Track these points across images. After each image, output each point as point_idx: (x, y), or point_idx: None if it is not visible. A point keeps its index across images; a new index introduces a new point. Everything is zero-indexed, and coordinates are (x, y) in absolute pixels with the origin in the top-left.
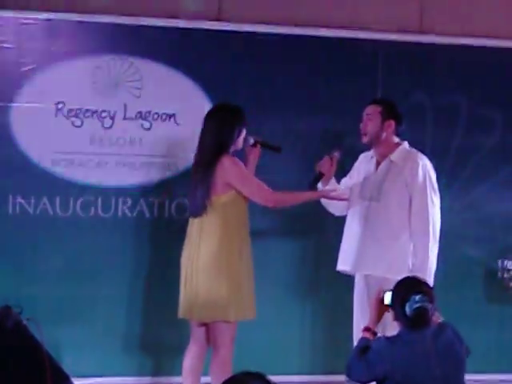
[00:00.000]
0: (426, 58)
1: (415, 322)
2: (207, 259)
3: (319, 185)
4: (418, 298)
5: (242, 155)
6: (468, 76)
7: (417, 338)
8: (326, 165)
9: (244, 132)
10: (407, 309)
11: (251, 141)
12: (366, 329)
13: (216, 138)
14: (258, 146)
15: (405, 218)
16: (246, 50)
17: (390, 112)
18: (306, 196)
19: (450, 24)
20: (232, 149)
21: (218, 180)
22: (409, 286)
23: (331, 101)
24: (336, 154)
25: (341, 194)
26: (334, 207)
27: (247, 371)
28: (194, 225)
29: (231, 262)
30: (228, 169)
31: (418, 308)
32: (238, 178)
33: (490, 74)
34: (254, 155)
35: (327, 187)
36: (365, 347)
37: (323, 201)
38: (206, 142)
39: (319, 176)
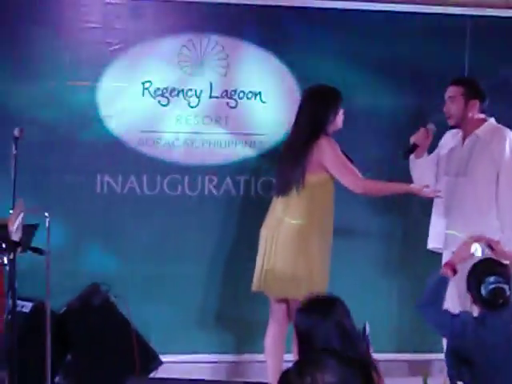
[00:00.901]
0: None
1: (492, 303)
2: (288, 237)
3: (412, 156)
4: (492, 279)
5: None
6: None
7: (499, 321)
8: (421, 136)
9: (341, 114)
10: (483, 291)
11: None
12: (449, 264)
13: (311, 119)
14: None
15: (492, 194)
16: (331, 28)
17: (473, 91)
18: (396, 188)
19: None
20: (331, 129)
21: (314, 160)
22: (483, 268)
23: (418, 77)
24: (431, 127)
25: (434, 191)
26: (422, 182)
27: (324, 348)
28: (278, 202)
29: (311, 242)
30: (324, 150)
31: (493, 289)
32: (332, 160)
33: None
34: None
35: (419, 186)
36: (441, 285)
37: (413, 174)
38: (302, 123)
39: (413, 147)
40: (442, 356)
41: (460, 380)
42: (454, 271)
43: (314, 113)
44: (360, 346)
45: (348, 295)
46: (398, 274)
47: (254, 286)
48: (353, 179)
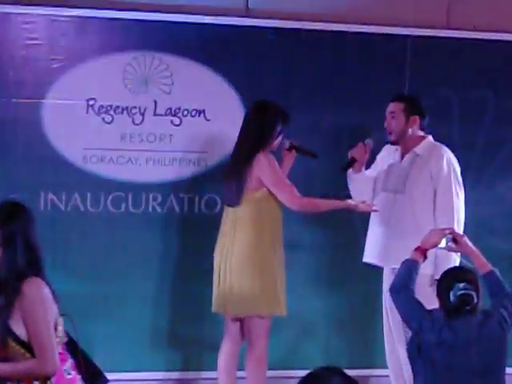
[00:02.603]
0: (453, 53)
1: (459, 309)
2: (241, 254)
3: (350, 170)
4: (461, 285)
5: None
6: (495, 71)
7: (462, 325)
8: (359, 151)
9: (281, 136)
10: (452, 297)
11: (287, 144)
12: (420, 249)
13: (256, 135)
14: (293, 150)
15: (430, 211)
16: (275, 46)
17: (414, 108)
18: (333, 204)
19: (476, 19)
20: (270, 147)
21: (254, 175)
22: (453, 275)
23: (359, 96)
24: (369, 142)
25: (370, 206)
26: (359, 197)
27: (325, 366)
28: (228, 215)
29: (264, 257)
30: (262, 165)
31: (461, 295)
32: (269, 176)
33: None
34: (289, 159)
35: (355, 201)
36: (412, 268)
37: (351, 189)
38: (246, 138)
39: (352, 162)
40: (379, 372)
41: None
42: (425, 256)
43: (259, 129)
44: None
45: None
46: (334, 287)
47: (214, 307)
48: (289, 196)
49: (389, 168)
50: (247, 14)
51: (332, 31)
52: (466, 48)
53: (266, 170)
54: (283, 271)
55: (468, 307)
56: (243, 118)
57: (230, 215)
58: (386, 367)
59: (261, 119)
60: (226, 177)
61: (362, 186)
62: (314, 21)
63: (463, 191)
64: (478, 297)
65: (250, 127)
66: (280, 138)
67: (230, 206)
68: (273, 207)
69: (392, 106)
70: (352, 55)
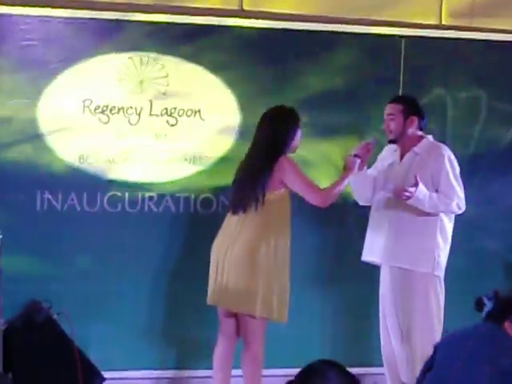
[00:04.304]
0: (446, 53)
1: None
2: (243, 250)
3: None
4: None
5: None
6: (488, 71)
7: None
8: (362, 149)
9: (299, 134)
10: None
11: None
12: None
13: (271, 139)
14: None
15: None
16: (270, 45)
17: (412, 108)
18: (343, 180)
19: (469, 19)
20: (289, 149)
21: (274, 178)
22: None
23: (352, 97)
24: (372, 140)
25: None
26: (360, 196)
27: (323, 360)
28: (233, 219)
29: (266, 259)
30: (286, 169)
31: None
32: (295, 178)
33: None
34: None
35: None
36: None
37: (352, 187)
38: (261, 143)
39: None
40: (374, 370)
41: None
42: None
43: (274, 133)
44: None
45: None
46: (332, 286)
47: (209, 300)
48: (314, 196)
49: (388, 168)
50: (242, 14)
51: (323, 31)
52: (459, 48)
53: (290, 173)
54: (286, 277)
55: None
56: (258, 123)
57: (235, 217)
58: (382, 365)
59: (277, 124)
60: (238, 182)
61: (363, 184)
62: (307, 21)
63: (463, 190)
64: None
65: (267, 133)
66: (299, 137)
67: (237, 212)
68: (282, 212)
69: (390, 108)
70: (345, 55)
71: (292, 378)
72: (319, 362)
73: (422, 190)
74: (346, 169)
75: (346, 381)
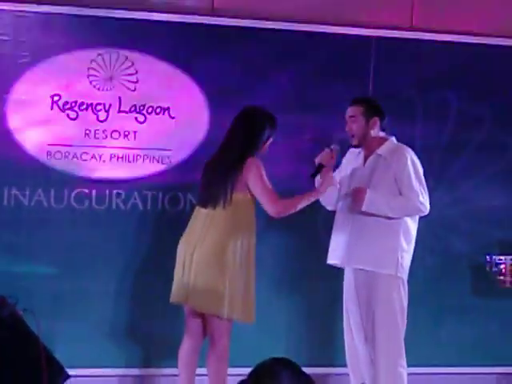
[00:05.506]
0: (417, 55)
1: None
2: (211, 250)
3: (317, 177)
4: None
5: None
6: (458, 73)
7: None
8: (326, 157)
9: (271, 140)
10: None
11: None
12: None
13: (247, 140)
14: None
15: None
16: (240, 44)
17: (373, 109)
18: (308, 198)
19: (440, 21)
20: (259, 152)
21: (242, 178)
22: None
23: (323, 98)
24: (335, 146)
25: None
26: (327, 201)
27: (275, 358)
28: (200, 214)
29: (233, 260)
30: (250, 170)
31: None
32: (255, 181)
33: (480, 71)
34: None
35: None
36: None
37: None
38: (235, 142)
39: (319, 168)
40: (339, 370)
41: None
42: None
43: (245, 133)
44: None
45: None
46: (297, 286)
47: (174, 297)
48: (271, 205)
49: (352, 172)
50: (213, 12)
51: (297, 31)
52: (429, 49)
53: (253, 175)
54: (252, 278)
55: None
56: (232, 122)
57: (203, 214)
58: (345, 365)
59: (251, 124)
60: (208, 178)
61: (329, 191)
62: (278, 21)
63: (427, 192)
64: None
65: (240, 132)
66: (269, 143)
67: (206, 207)
68: (249, 213)
69: (351, 110)
70: (316, 56)
71: (244, 377)
72: (272, 361)
73: (372, 196)
74: (322, 185)
75: (299, 381)
